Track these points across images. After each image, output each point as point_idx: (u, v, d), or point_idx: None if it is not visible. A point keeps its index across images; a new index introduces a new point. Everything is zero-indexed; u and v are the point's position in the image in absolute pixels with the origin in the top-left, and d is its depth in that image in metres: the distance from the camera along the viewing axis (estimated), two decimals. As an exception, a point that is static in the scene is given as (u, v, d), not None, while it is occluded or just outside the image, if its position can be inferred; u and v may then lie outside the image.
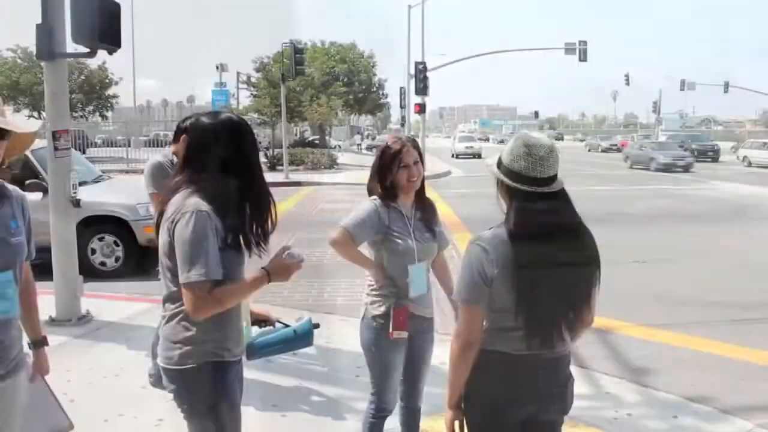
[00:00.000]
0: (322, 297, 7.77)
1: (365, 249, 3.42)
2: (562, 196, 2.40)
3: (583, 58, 37.52)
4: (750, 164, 36.99)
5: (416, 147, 3.37)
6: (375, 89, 49.92)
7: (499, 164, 2.41)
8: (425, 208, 3.45)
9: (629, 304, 7.69)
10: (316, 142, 43.24)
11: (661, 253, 10.95)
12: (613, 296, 7.92)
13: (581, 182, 25.13)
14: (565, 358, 2.53)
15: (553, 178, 2.37)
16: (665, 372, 5.57)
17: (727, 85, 59.05)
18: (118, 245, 8.96)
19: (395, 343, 3.30)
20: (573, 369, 5.45)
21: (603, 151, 58.33)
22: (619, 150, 56.22)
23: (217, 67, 41.93)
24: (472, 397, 2.44)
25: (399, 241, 3.27)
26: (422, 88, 31.16)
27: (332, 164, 30.99)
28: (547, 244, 2.31)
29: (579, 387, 5.02)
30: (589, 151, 61.13)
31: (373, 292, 3.35)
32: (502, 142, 58.25)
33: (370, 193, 3.40)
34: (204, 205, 2.37)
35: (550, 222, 2.33)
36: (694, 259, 10.51)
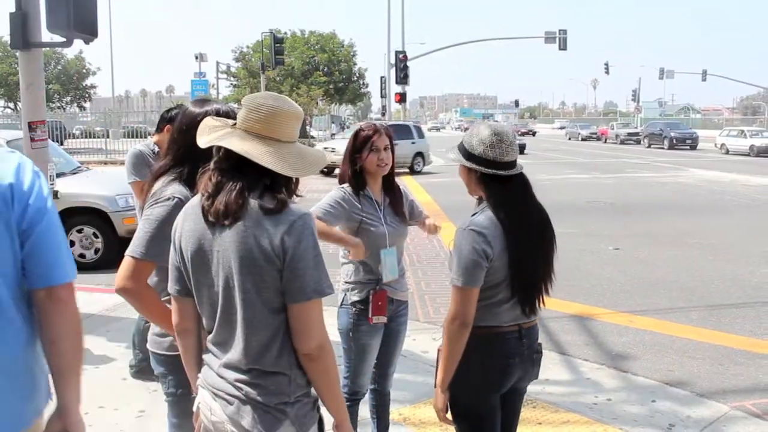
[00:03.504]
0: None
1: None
2: (524, 178, 2.63)
3: (563, 46, 37.65)
4: (728, 152, 37.39)
5: (389, 135, 3.42)
6: (355, 78, 49.86)
7: (469, 155, 2.55)
8: (394, 194, 3.49)
9: (609, 291, 7.78)
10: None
11: (640, 240, 11.06)
12: (593, 284, 8.08)
13: (560, 171, 25.32)
14: (536, 325, 2.74)
15: (516, 161, 2.59)
16: (644, 357, 5.65)
17: (705, 74, 59.66)
18: (97, 237, 8.88)
19: (373, 327, 3.36)
20: (554, 356, 5.59)
21: (583, 139, 58.66)
22: (598, 138, 56.62)
23: (197, 57, 41.61)
24: (464, 375, 2.54)
25: (372, 227, 3.31)
26: (402, 78, 31.17)
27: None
28: (528, 220, 2.57)
29: (560, 373, 5.18)
30: (569, 139, 61.48)
31: (352, 278, 3.39)
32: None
33: (342, 178, 3.43)
34: (181, 192, 2.37)
35: (525, 200, 2.60)
36: (672, 246, 10.61)
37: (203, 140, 1.98)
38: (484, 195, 2.57)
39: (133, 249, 2.33)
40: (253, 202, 1.88)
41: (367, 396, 3.63)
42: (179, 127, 2.53)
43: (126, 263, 2.33)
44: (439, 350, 2.62)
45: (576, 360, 5.48)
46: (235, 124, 1.98)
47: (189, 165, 2.42)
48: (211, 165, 1.97)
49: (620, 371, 5.29)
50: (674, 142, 42.21)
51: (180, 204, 2.25)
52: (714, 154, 37.29)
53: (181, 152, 2.47)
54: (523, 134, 60.87)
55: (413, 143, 23.57)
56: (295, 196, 2.02)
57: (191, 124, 2.45)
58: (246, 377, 1.93)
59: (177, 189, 2.40)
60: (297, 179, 1.99)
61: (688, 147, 41.87)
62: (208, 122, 2.04)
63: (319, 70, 46.41)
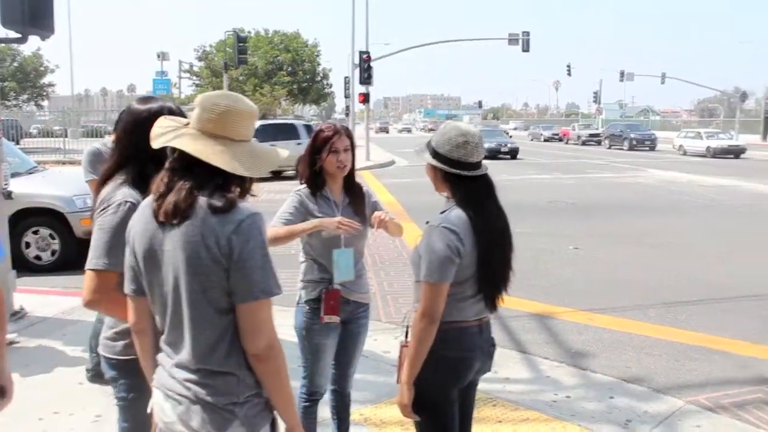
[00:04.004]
0: (265, 288, 7.71)
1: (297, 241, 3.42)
2: (489, 178, 2.71)
3: (526, 48, 37.99)
4: (685, 153, 38.13)
5: (349, 136, 3.41)
6: (319, 79, 49.72)
7: (435, 154, 2.62)
8: (354, 195, 3.47)
9: (569, 290, 7.88)
10: (260, 132, 42.83)
11: (600, 240, 11.22)
12: (553, 283, 8.17)
13: (522, 171, 25.57)
14: (489, 319, 2.83)
15: (481, 162, 2.66)
16: (603, 355, 5.72)
17: (664, 77, 60.69)
18: (53, 238, 8.72)
19: (326, 327, 3.35)
20: (515, 354, 5.64)
21: (546, 140, 59.30)
22: (560, 139, 57.27)
23: (159, 56, 41.14)
24: (432, 369, 2.58)
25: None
26: (366, 78, 31.17)
27: (276, 154, 30.64)
28: (492, 219, 2.65)
29: (520, 372, 5.23)
30: (531, 140, 62.08)
31: (306, 277, 3.39)
32: None
33: (300, 176, 3.41)
34: (132, 196, 2.34)
35: (489, 199, 2.67)
36: (631, 245, 10.79)
37: (157, 142, 1.97)
38: (450, 193, 2.65)
39: (95, 262, 2.30)
40: (203, 201, 1.87)
41: (328, 397, 3.62)
42: (123, 126, 2.49)
43: (89, 277, 2.31)
44: (402, 347, 2.67)
45: (536, 358, 5.54)
46: (188, 123, 1.97)
47: (136, 165, 2.39)
48: (166, 165, 1.96)
49: (579, 369, 5.36)
50: (634, 143, 42.91)
51: (132, 208, 2.22)
52: (672, 155, 37.98)
53: (126, 153, 2.45)
54: None
55: (299, 144, 19.79)
56: (249, 195, 2.01)
57: (135, 123, 2.43)
58: (195, 377, 1.92)
59: (127, 193, 2.36)
60: (251, 178, 1.98)
61: (647, 148, 42.59)
62: (161, 123, 2.02)
63: (282, 69, 46.17)
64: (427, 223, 2.64)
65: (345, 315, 3.40)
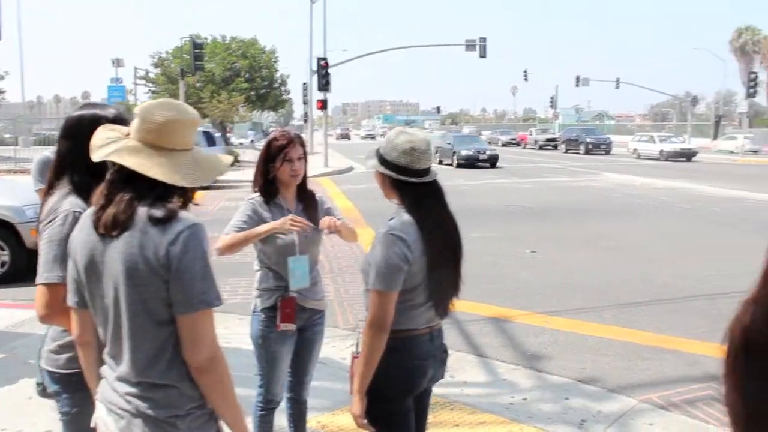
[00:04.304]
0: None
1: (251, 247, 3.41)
2: (438, 185, 2.69)
3: (483, 54, 38.41)
4: (639, 156, 38.90)
5: (302, 144, 3.40)
6: (277, 85, 49.45)
7: (383, 161, 2.61)
8: (307, 202, 3.48)
9: (526, 293, 7.96)
10: (218, 139, 42.37)
11: (556, 243, 11.38)
12: (510, 286, 8.25)
13: (480, 176, 25.80)
14: (441, 326, 2.81)
15: (430, 168, 2.65)
16: (558, 357, 5.80)
17: (618, 82, 61.76)
18: (3, 250, 8.51)
19: (283, 335, 3.34)
20: (472, 358, 5.67)
21: (503, 145, 59.84)
22: (518, 144, 57.91)
23: (113, 62, 40.50)
24: (383, 378, 2.54)
25: (280, 234, 3.29)
26: (324, 84, 31.17)
27: (234, 162, 30.37)
28: (441, 226, 2.63)
29: (477, 375, 5.26)
30: (489, 144, 62.56)
31: (261, 285, 3.38)
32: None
33: (254, 186, 3.41)
34: (78, 205, 2.30)
35: (438, 205, 2.65)
36: (587, 248, 10.96)
37: (96, 154, 1.94)
38: (398, 200, 2.63)
39: (46, 276, 2.26)
40: (142, 212, 1.85)
41: (284, 405, 3.61)
42: (61, 134, 2.46)
43: (42, 292, 2.27)
44: (354, 357, 2.63)
45: (493, 361, 5.59)
46: (129, 134, 1.94)
47: (76, 174, 2.36)
48: (107, 176, 1.93)
49: (535, 371, 5.42)
50: (590, 147, 43.62)
51: (78, 218, 2.18)
52: (627, 158, 38.70)
53: (64, 161, 2.41)
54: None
55: None
56: (191, 204, 1.99)
57: (71, 131, 2.39)
58: (135, 390, 1.90)
59: (74, 203, 2.33)
60: (193, 187, 1.97)
61: (602, 152, 43.30)
62: (100, 134, 1.99)
63: (240, 76, 45.78)
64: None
65: (301, 322, 3.40)
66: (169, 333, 1.87)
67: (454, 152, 31.48)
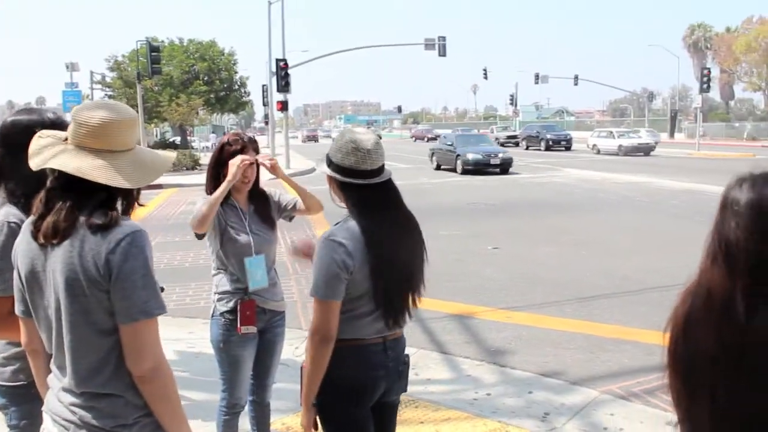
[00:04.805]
0: (184, 301, 7.57)
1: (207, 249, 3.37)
2: (390, 185, 2.55)
3: (442, 53, 38.54)
4: (599, 152, 39.43)
5: (255, 149, 3.37)
6: (237, 87, 49.04)
7: (329, 163, 2.50)
8: (260, 201, 3.46)
9: (489, 289, 8.03)
10: (177, 142, 41.91)
11: (518, 239, 11.49)
12: (473, 283, 8.31)
13: (442, 174, 25.92)
14: (403, 337, 2.69)
15: (382, 169, 2.50)
16: (522, 351, 5.86)
17: (576, 79, 62.58)
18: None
19: (244, 338, 3.32)
20: (436, 355, 5.70)
21: (465, 143, 60.17)
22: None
23: (67, 66, 39.70)
24: (329, 390, 2.46)
25: (236, 236, 3.28)
26: (284, 86, 30.98)
27: (194, 165, 30.08)
28: (391, 230, 2.47)
29: (441, 372, 5.29)
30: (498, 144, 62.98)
31: (220, 289, 3.35)
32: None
33: (207, 191, 3.35)
34: (15, 215, 2.24)
35: (387, 209, 2.51)
36: (549, 243, 11.09)
37: (33, 162, 1.87)
38: (345, 203, 2.51)
39: None
40: (83, 220, 1.81)
41: (247, 408, 3.58)
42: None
43: None
44: (302, 367, 2.54)
45: (457, 358, 5.63)
46: (67, 138, 1.89)
47: (11, 182, 2.30)
48: (47, 184, 1.88)
49: (499, 366, 5.47)
50: (550, 143, 44.06)
51: (14, 228, 2.13)
52: (587, 154, 39.19)
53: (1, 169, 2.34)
54: (429, 139, 62.06)
55: None
56: (137, 206, 1.96)
57: (4, 138, 2.32)
58: (79, 400, 1.86)
59: (9, 212, 2.26)
60: (138, 189, 1.93)
61: (563, 148, 43.77)
62: (37, 141, 1.92)
63: (199, 79, 45.31)
64: None
65: (261, 324, 3.39)
66: (113, 342, 1.84)
67: (458, 156, 26.25)
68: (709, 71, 43.66)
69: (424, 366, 5.34)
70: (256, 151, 3.37)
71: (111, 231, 1.80)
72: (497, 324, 6.64)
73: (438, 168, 28.30)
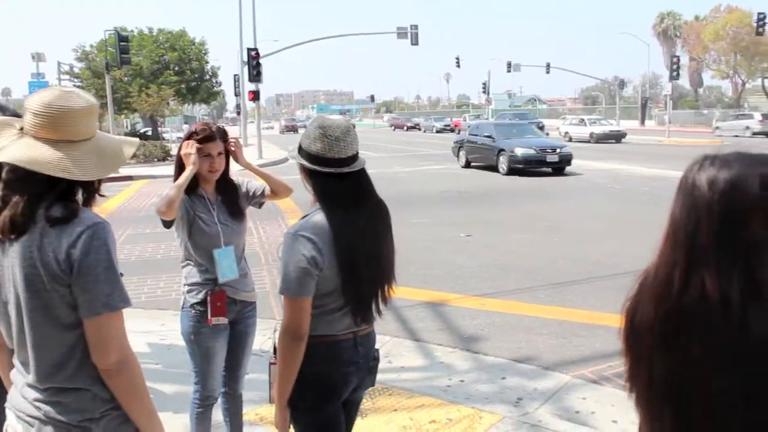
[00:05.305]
0: (155, 293, 7.50)
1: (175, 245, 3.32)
2: (362, 175, 2.45)
3: (414, 42, 38.50)
4: (571, 139, 39.71)
5: (224, 139, 3.31)
6: (208, 77, 48.56)
7: (300, 149, 2.43)
8: (227, 191, 3.40)
9: (461, 276, 8.05)
10: (148, 133, 41.43)
11: (491, 226, 11.53)
12: (446, 270, 8.32)
13: (415, 163, 25.94)
14: (373, 332, 2.62)
15: (354, 158, 2.40)
16: (495, 338, 5.88)
17: (548, 67, 62.85)
18: None
19: (215, 329, 3.28)
20: (409, 343, 5.70)
21: (438, 131, 60.36)
22: (452, 130, 58.45)
23: (33, 57, 38.99)
24: (301, 386, 2.39)
25: (204, 227, 3.24)
26: (255, 75, 30.73)
27: (165, 156, 29.77)
28: (360, 223, 2.38)
29: (415, 360, 5.29)
30: (424, 132, 63.10)
31: (190, 280, 3.30)
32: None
33: (174, 178, 3.29)
34: None
35: (356, 202, 2.40)
36: (521, 230, 11.15)
37: None
38: (313, 192, 2.42)
39: None
40: (41, 213, 1.75)
41: (220, 399, 3.55)
42: None
43: None
44: (271, 363, 2.46)
45: (430, 345, 5.64)
46: (22, 128, 1.81)
47: None
48: (2, 176, 1.81)
49: (472, 353, 5.49)
50: (523, 131, 44.14)
51: None
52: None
53: None
54: (409, 128, 61.68)
55: None
56: (98, 196, 1.90)
57: None
58: (43, 396, 1.81)
59: None
60: (99, 179, 1.87)
61: (536, 136, 43.91)
62: None
63: (169, 69, 44.79)
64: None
65: (232, 315, 3.35)
66: (77, 337, 1.79)
67: (501, 151, 20.86)
68: (678, 59, 44.17)
69: (397, 354, 5.34)
70: (225, 140, 3.32)
71: (71, 224, 1.75)
72: (470, 311, 6.66)
73: (468, 165, 23.31)
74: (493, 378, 4.91)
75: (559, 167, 20.32)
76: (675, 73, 42.11)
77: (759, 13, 39.32)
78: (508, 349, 5.58)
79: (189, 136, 3.27)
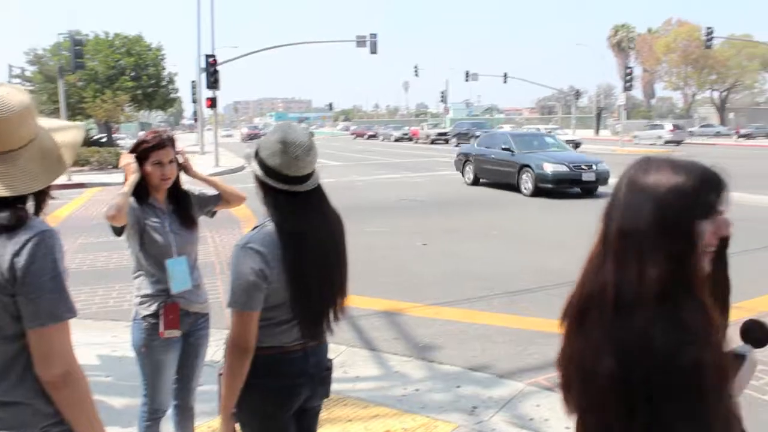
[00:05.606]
0: (107, 304, 7.35)
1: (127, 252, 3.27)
2: (317, 191, 2.42)
3: (373, 50, 38.60)
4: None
5: (174, 146, 3.28)
6: (165, 83, 47.99)
7: (256, 155, 2.37)
8: (179, 199, 3.36)
9: (417, 285, 8.07)
10: (103, 140, 40.70)
11: (448, 235, 11.59)
12: (402, 279, 8.33)
13: (373, 172, 25.97)
14: (326, 343, 2.60)
15: (309, 176, 2.37)
16: (450, 346, 5.90)
17: (506, 76, 63.63)
18: None
19: (167, 342, 3.23)
20: (364, 353, 5.69)
21: (396, 140, 60.57)
22: (410, 139, 58.72)
23: (-18, 61, 38.06)
24: (249, 398, 2.36)
25: (156, 236, 3.19)
26: (213, 82, 30.43)
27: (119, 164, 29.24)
28: (312, 238, 2.36)
29: (370, 369, 5.28)
30: (382, 140, 63.28)
31: (142, 292, 3.24)
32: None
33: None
34: None
35: (309, 217, 2.38)
36: (478, 239, 11.24)
37: None
38: (265, 204, 2.37)
39: None
40: None
41: (171, 412, 3.49)
42: None
43: None
44: (219, 374, 2.45)
45: (385, 354, 5.63)
46: None
47: None
48: None
49: (427, 361, 5.50)
50: (480, 140, 44.65)
51: None
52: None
53: None
54: (370, 137, 61.40)
55: None
56: (48, 200, 1.85)
57: None
58: None
59: None
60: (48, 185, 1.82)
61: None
62: None
63: (125, 74, 44.17)
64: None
65: (185, 327, 3.30)
66: (19, 348, 1.74)
67: (524, 167, 17.55)
68: (632, 70, 45.09)
69: (352, 363, 5.33)
70: (174, 148, 3.28)
71: (17, 232, 1.70)
72: (426, 320, 6.67)
73: (476, 182, 20.06)
74: (448, 387, 4.92)
75: (593, 187, 17.12)
76: (628, 84, 43.00)
77: (707, 28, 40.46)
78: (464, 357, 5.61)
79: (138, 145, 3.23)
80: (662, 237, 1.45)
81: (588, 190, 17.30)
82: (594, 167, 17.13)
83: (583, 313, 1.54)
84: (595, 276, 1.54)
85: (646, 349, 1.39)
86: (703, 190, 1.47)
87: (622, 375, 1.42)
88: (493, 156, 19.19)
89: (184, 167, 3.33)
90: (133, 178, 3.12)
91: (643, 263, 1.44)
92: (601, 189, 17.02)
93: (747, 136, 53.68)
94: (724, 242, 1.62)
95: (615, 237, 1.52)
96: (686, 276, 1.45)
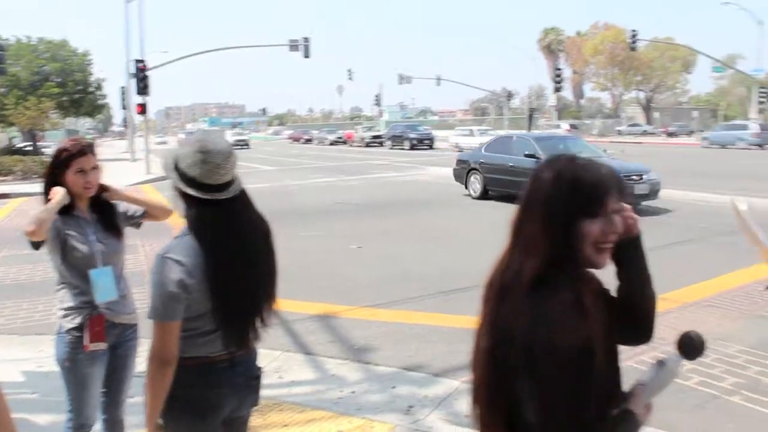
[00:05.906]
0: (32, 318, 7.11)
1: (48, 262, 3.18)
2: (241, 198, 2.40)
3: (306, 54, 38.55)
4: (461, 150, 40.70)
5: (95, 153, 3.21)
6: (93, 89, 46.73)
7: (175, 165, 2.33)
8: (103, 209, 3.29)
9: (352, 288, 8.07)
10: (27, 148, 39.35)
11: (383, 237, 11.64)
12: (337, 282, 8.32)
13: (307, 175, 25.87)
14: (255, 351, 2.56)
15: (230, 183, 2.35)
16: (386, 348, 5.93)
17: (439, 79, 64.35)
18: None
19: (93, 355, 3.15)
20: (299, 357, 5.66)
21: (331, 144, 60.50)
22: (345, 142, 58.73)
23: None
24: (174, 409, 2.32)
25: (79, 246, 3.10)
26: (143, 88, 29.81)
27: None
28: (235, 246, 2.33)
29: (305, 374, 5.26)
30: (317, 144, 63.12)
31: (65, 304, 3.16)
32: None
33: (46, 199, 3.13)
34: None
35: (231, 225, 2.34)
36: (412, 240, 11.32)
37: None
38: (185, 214, 2.33)
39: None
40: None
41: (99, 426, 3.40)
42: None
43: None
44: (145, 385, 2.41)
45: (321, 358, 5.61)
46: None
47: None
48: None
49: (363, 363, 5.51)
50: (414, 142, 45.14)
51: None
52: (449, 152, 40.35)
53: None
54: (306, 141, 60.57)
55: None
56: None
57: None
58: None
59: None
60: None
61: (426, 147, 44.93)
62: None
63: (50, 80, 42.85)
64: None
65: (112, 339, 3.22)
66: None
67: None
68: (561, 72, 46.27)
69: (288, 368, 5.29)
70: (95, 155, 3.20)
71: None
72: (361, 322, 6.68)
73: (484, 195, 16.69)
74: (384, 387, 4.94)
75: (641, 202, 13.67)
76: (559, 86, 44.19)
77: (632, 30, 41.84)
78: (399, 358, 5.63)
79: (59, 152, 3.14)
80: (545, 230, 1.58)
81: (636, 206, 13.15)
82: (645, 178, 13.80)
83: (484, 298, 1.71)
84: (498, 265, 1.71)
85: (509, 330, 1.54)
86: (592, 189, 1.58)
87: (492, 351, 1.59)
88: (511, 165, 15.67)
89: (106, 191, 3.25)
90: (61, 198, 3.03)
91: (527, 253, 1.60)
92: (646, 203, 13.88)
93: (671, 134, 55.96)
94: (633, 241, 1.71)
95: (512, 228, 1.70)
96: (563, 268, 1.58)
